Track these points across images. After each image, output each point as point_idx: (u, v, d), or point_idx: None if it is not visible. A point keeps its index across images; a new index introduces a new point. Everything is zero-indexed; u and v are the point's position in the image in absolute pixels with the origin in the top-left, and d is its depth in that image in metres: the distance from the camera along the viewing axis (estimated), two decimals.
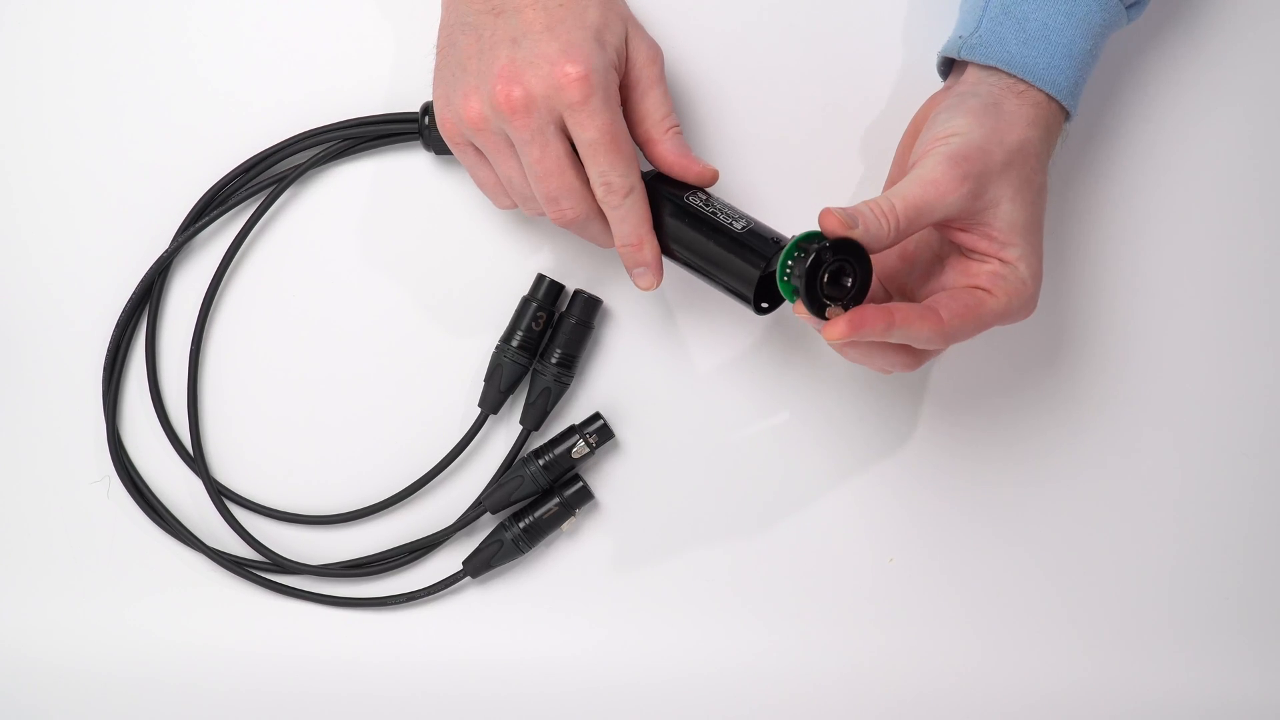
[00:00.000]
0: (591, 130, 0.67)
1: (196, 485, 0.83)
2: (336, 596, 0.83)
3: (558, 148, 0.68)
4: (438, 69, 0.71)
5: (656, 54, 0.72)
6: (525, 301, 0.80)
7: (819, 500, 0.82)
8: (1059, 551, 0.82)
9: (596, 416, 0.80)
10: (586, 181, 0.69)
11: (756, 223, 0.69)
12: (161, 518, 0.83)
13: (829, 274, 0.62)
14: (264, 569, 0.83)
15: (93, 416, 0.82)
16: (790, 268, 0.63)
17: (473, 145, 0.72)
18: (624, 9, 0.71)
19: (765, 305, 0.68)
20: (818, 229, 0.62)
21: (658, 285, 0.72)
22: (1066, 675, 0.82)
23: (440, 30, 0.71)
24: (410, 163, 0.81)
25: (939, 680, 0.82)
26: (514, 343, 0.79)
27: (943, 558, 0.82)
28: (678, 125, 0.72)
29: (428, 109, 0.78)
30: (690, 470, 0.82)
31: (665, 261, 0.72)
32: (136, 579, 0.83)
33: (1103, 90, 0.78)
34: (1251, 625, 0.82)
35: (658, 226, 0.71)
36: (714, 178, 0.72)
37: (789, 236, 0.66)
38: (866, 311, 0.61)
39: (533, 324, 0.79)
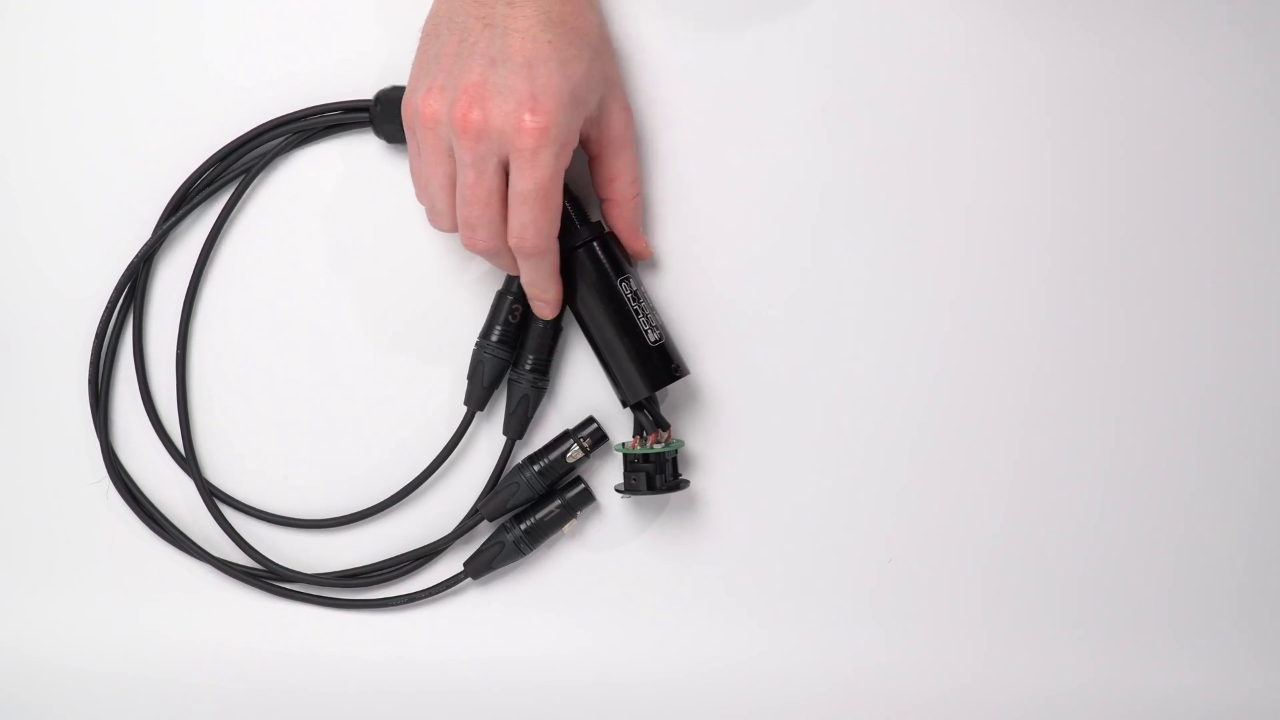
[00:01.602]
0: (528, 182, 0.68)
1: (190, 488, 0.83)
2: (338, 599, 0.83)
3: (493, 181, 0.69)
4: (418, 55, 0.71)
5: (630, 116, 0.74)
6: (500, 295, 0.79)
7: (818, 500, 0.80)
8: (1059, 552, 0.80)
9: (590, 420, 0.79)
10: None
11: (667, 338, 0.75)
12: (161, 526, 0.83)
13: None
14: (262, 576, 0.83)
15: (86, 420, 0.83)
16: (630, 466, 0.76)
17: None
18: (610, 67, 0.72)
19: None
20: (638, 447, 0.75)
21: (552, 317, 0.76)
22: (1066, 676, 0.80)
23: (428, 18, 0.71)
24: (378, 153, 0.81)
25: (937, 681, 0.80)
26: (493, 338, 0.78)
27: (942, 558, 0.80)
28: (640, 193, 0.76)
29: (380, 98, 0.78)
30: (689, 470, 0.80)
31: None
32: (138, 580, 0.84)
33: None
34: (1259, 626, 0.80)
35: (588, 291, 0.74)
36: (647, 256, 0.77)
37: (686, 366, 0.76)
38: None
39: (509, 317, 0.78)
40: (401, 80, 0.77)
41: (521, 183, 0.67)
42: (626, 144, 0.73)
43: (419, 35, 0.71)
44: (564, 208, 0.74)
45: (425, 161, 0.70)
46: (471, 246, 0.71)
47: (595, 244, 0.74)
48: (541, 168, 0.67)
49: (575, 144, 0.69)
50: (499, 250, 0.71)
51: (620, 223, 0.75)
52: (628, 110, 0.73)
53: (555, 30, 0.66)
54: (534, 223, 0.69)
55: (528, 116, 0.65)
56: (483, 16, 0.67)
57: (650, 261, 0.78)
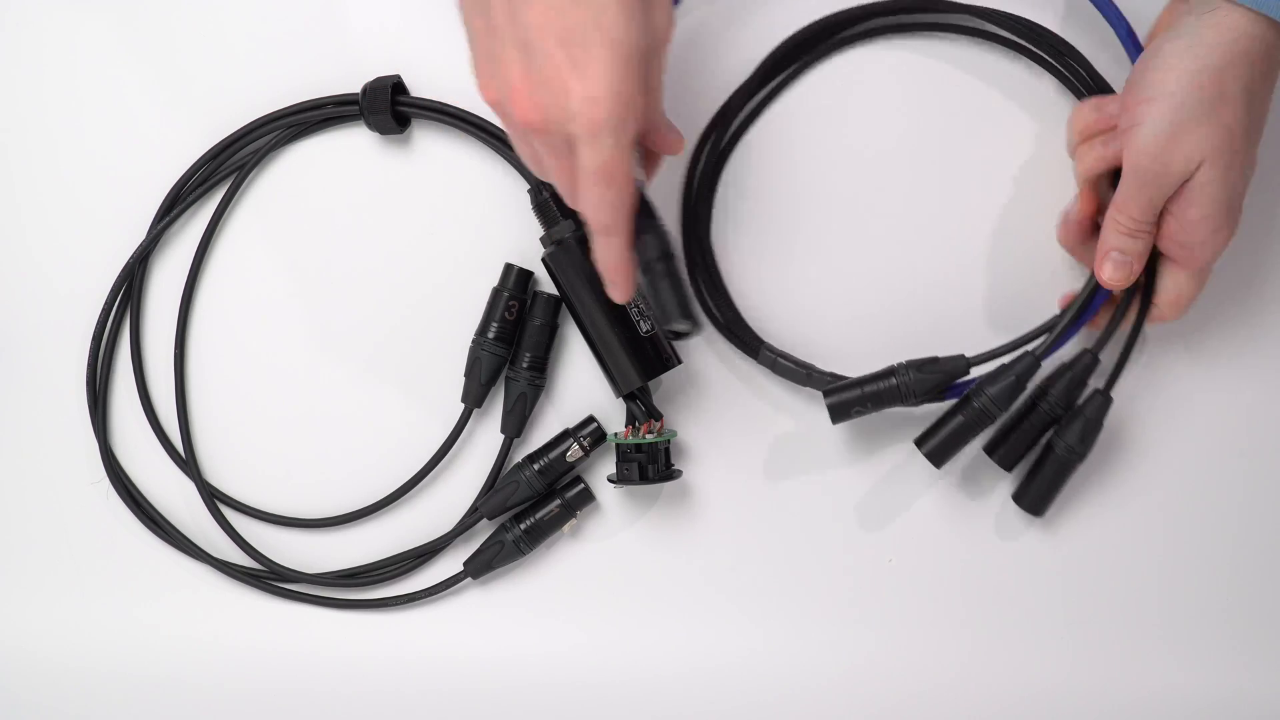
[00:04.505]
0: (589, 162, 0.62)
1: (190, 489, 0.83)
2: (338, 599, 0.83)
3: (571, 159, 0.63)
4: (461, 16, 0.64)
5: (670, 23, 0.63)
6: (496, 292, 0.78)
7: (819, 500, 0.79)
8: (1057, 551, 0.79)
9: (590, 419, 0.78)
10: None
11: (659, 328, 0.74)
12: (160, 527, 0.83)
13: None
14: (263, 576, 0.83)
15: (85, 421, 0.83)
16: (622, 456, 0.75)
17: None
18: None
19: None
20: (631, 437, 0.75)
21: (625, 301, 0.69)
22: (1066, 676, 0.79)
23: None
24: (370, 145, 0.80)
25: (937, 680, 0.79)
26: (490, 334, 0.78)
27: (941, 558, 0.79)
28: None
29: (367, 90, 0.78)
30: (689, 470, 0.80)
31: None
32: (138, 581, 0.84)
33: None
34: (1245, 624, 0.79)
35: (579, 282, 0.73)
36: (680, 146, 0.71)
37: (679, 356, 0.75)
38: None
39: (506, 314, 0.78)
40: (385, 71, 0.78)
41: (584, 161, 0.62)
42: (663, 49, 0.64)
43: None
44: (550, 202, 0.74)
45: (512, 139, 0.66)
46: (570, 203, 0.66)
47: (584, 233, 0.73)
48: (602, 149, 0.61)
49: (639, 105, 0.61)
50: None
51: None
52: (667, 8, 0.63)
53: None
54: (601, 200, 0.63)
55: (578, 106, 0.59)
56: None
57: None
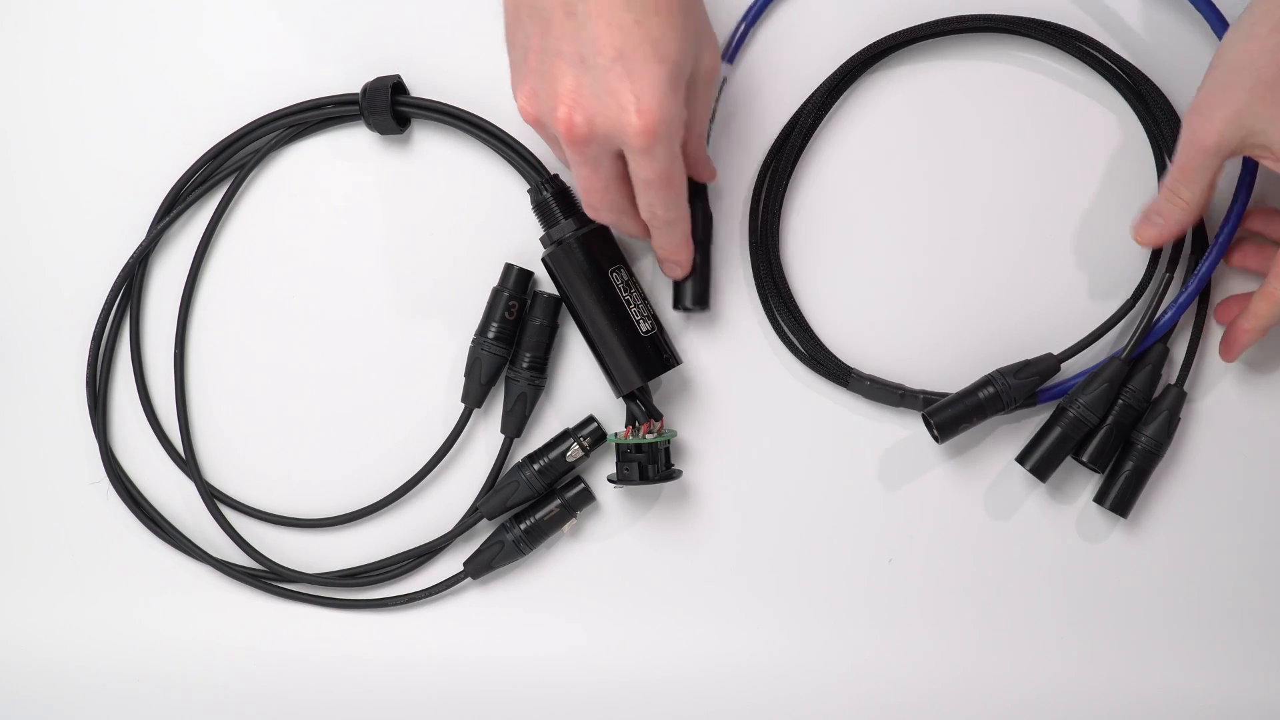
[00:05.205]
0: (648, 172, 0.66)
1: (190, 489, 0.83)
2: (338, 599, 0.83)
3: (608, 172, 0.67)
4: (507, 38, 0.67)
5: (717, 54, 0.70)
6: (496, 292, 0.78)
7: (819, 499, 0.79)
8: (1057, 551, 0.79)
9: (590, 419, 0.78)
10: (631, 198, 0.69)
11: (660, 327, 0.75)
12: (160, 527, 0.83)
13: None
14: (263, 576, 0.83)
15: (85, 421, 0.83)
16: (623, 456, 0.75)
17: None
18: (697, 13, 0.67)
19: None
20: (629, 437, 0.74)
21: (683, 277, 0.76)
22: (1065, 676, 0.79)
23: None
24: (370, 146, 0.80)
25: (941, 680, 0.79)
26: (490, 334, 0.78)
27: (942, 558, 0.79)
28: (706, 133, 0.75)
29: (367, 90, 0.78)
30: (689, 470, 0.80)
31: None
32: (138, 581, 0.84)
33: None
34: (1248, 625, 0.78)
35: (579, 282, 0.73)
36: (713, 177, 0.76)
37: (679, 356, 0.76)
38: (1238, 338, 0.70)
39: (506, 314, 0.78)
40: (385, 71, 0.78)
41: (641, 173, 0.66)
42: (710, 83, 0.70)
43: (501, 9, 0.67)
44: (550, 202, 0.74)
45: (548, 144, 0.70)
46: (594, 218, 0.71)
47: (586, 234, 0.73)
48: (659, 158, 0.65)
49: (682, 118, 0.65)
50: (620, 222, 0.71)
51: (691, 147, 0.72)
52: (715, 51, 0.70)
53: (639, 4, 0.62)
54: (661, 200, 0.68)
55: (634, 119, 0.62)
56: (564, 3, 0.62)
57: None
